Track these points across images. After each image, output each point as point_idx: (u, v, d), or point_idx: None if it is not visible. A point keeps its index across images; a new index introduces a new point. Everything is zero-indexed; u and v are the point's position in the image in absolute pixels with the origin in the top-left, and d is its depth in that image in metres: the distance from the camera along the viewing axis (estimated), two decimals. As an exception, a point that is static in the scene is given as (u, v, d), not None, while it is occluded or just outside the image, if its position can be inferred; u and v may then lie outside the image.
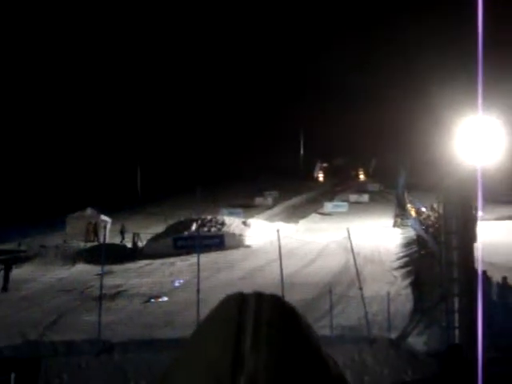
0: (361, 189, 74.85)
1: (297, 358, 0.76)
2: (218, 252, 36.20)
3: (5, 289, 28.78)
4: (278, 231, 26.08)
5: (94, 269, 30.20)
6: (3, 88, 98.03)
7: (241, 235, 39.96)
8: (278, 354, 0.75)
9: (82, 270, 33.44)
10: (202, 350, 0.78)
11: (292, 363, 0.75)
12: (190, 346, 0.81)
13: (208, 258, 31.11)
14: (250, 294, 0.84)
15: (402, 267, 30.66)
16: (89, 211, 46.40)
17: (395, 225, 46.07)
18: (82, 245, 40.95)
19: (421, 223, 40.78)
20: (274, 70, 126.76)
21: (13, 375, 15.45)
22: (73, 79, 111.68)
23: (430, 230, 34.29)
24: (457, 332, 16.87)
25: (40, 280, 31.39)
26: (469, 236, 17.34)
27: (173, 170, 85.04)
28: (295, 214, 56.22)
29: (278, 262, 23.34)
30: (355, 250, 25.67)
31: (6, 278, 29.22)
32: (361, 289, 21.79)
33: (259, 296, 0.84)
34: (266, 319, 0.79)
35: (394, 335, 19.48)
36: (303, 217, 53.08)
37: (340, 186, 79.62)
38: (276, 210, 60.07)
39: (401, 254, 34.24)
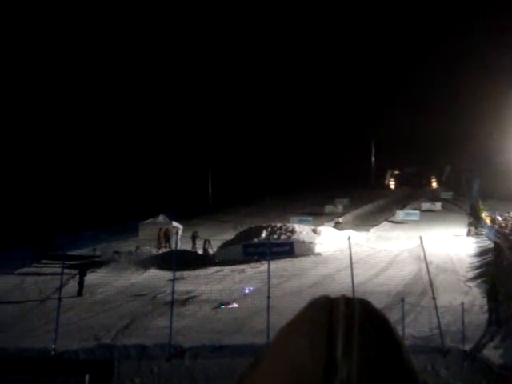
0: (433, 197, 73.40)
1: (389, 366, 0.75)
2: (287, 259, 36.09)
3: (80, 293, 29.45)
4: (348, 239, 25.90)
5: (166, 274, 30.57)
6: (65, 88, 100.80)
7: (311, 243, 39.75)
8: (370, 361, 0.73)
9: (154, 275, 33.88)
10: (289, 352, 0.76)
11: (384, 372, 0.74)
12: (275, 348, 0.78)
13: (278, 266, 31.04)
14: (339, 298, 0.82)
15: (476, 277, 29.88)
16: (161, 218, 47.19)
17: (469, 234, 44.94)
18: (154, 251, 41.62)
19: (496, 232, 39.68)
20: (346, 79, 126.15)
21: (87, 377, 15.81)
22: (140, 84, 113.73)
23: (510, 238, 33.24)
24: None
25: (113, 285, 32.00)
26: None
27: (243, 178, 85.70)
28: (366, 222, 55.62)
29: (349, 270, 23.14)
30: (427, 258, 25.21)
31: (81, 283, 29.89)
32: (434, 298, 21.37)
33: (348, 300, 0.81)
34: (358, 325, 0.76)
35: (468, 347, 18.98)
36: (374, 225, 52.43)
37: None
38: (346, 217, 59.56)
39: (475, 264, 33.34)
